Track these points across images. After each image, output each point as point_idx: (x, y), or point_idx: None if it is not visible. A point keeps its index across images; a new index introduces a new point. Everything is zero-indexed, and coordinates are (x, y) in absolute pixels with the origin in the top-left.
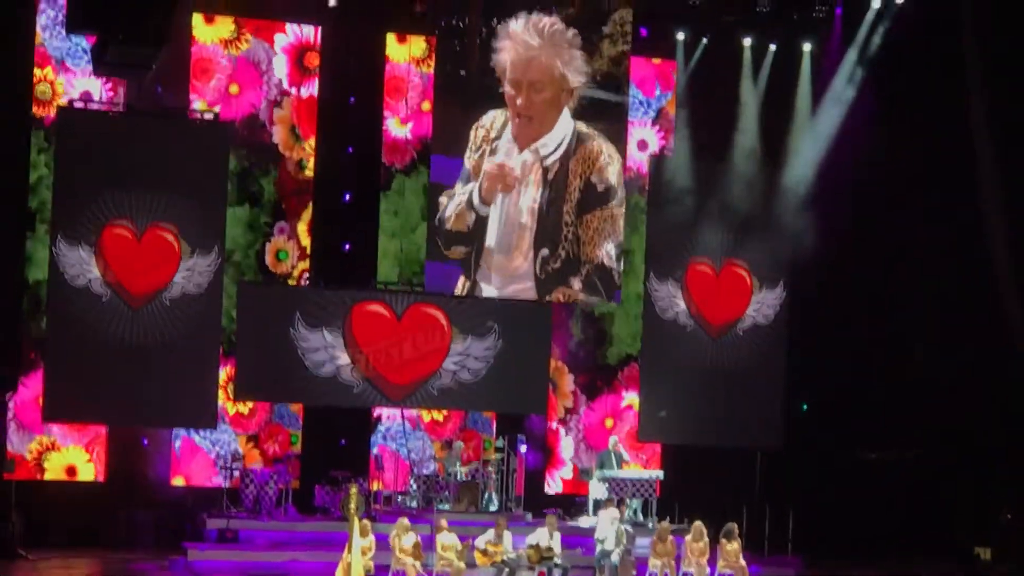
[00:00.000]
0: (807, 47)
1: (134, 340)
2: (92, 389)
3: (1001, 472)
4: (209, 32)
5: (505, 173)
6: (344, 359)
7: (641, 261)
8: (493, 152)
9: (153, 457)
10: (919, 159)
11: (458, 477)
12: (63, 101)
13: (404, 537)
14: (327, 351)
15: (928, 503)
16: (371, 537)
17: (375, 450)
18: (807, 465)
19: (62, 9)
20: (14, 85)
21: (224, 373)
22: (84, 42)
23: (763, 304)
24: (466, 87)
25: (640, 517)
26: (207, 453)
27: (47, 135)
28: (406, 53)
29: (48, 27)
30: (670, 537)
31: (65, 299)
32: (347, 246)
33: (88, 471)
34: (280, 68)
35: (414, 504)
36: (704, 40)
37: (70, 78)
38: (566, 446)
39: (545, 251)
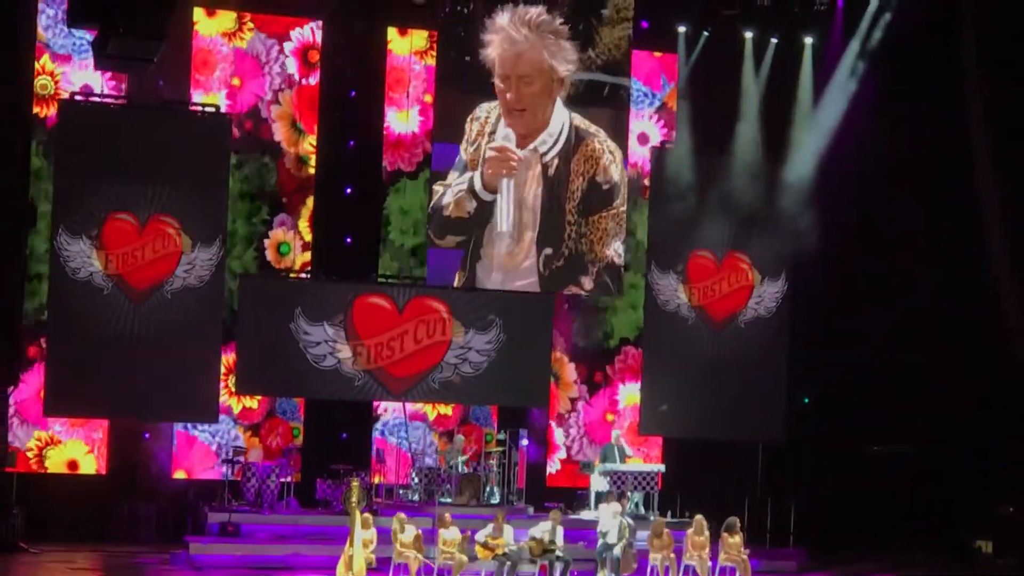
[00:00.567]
0: (808, 40)
1: (136, 333)
2: (94, 383)
3: (1003, 465)
4: (211, 25)
5: (507, 156)
6: (345, 352)
7: (640, 253)
8: (491, 140)
9: (154, 450)
10: (921, 151)
11: (459, 470)
12: (64, 95)
13: (404, 530)
14: (328, 344)
15: (930, 496)
16: (373, 530)
17: (373, 448)
18: (809, 458)
19: (63, 3)
20: (15, 79)
21: (224, 365)
22: (86, 36)
23: (765, 296)
24: (468, 73)
25: (642, 511)
26: (208, 446)
27: (48, 129)
28: (407, 46)
29: (50, 23)
30: (666, 531)
31: (67, 292)
32: (348, 239)
33: (90, 465)
34: (281, 61)
35: (415, 497)
36: (705, 33)
37: (71, 72)
38: (558, 436)
39: (548, 250)
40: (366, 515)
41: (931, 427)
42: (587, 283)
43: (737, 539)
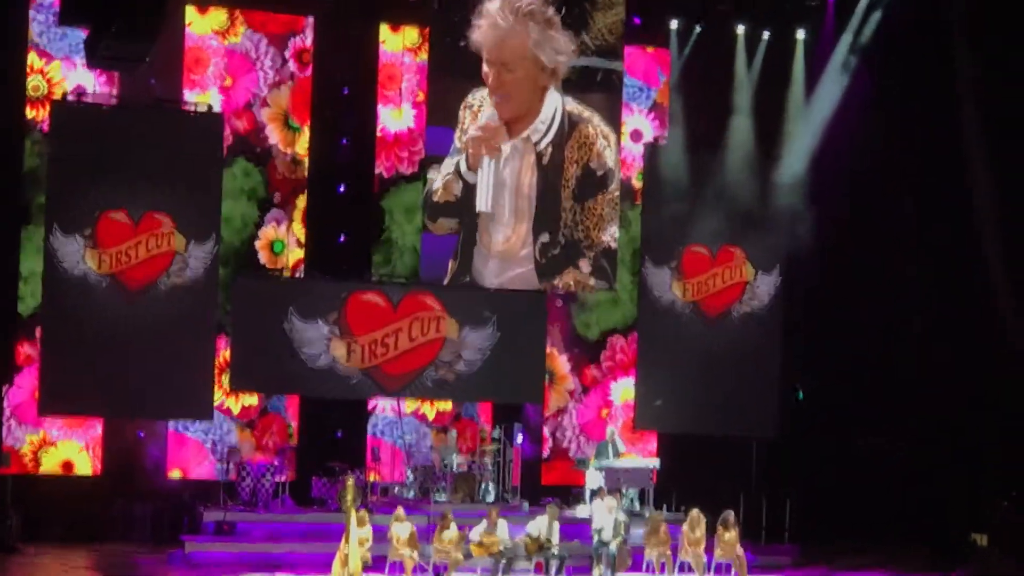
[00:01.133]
0: (801, 35)
1: (130, 331)
2: (88, 381)
3: (997, 459)
4: (202, 23)
5: (489, 136)
6: (340, 350)
7: (627, 253)
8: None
9: (149, 450)
10: (914, 145)
11: (454, 468)
12: (57, 95)
13: (399, 528)
14: (322, 343)
15: (924, 490)
16: (368, 528)
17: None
18: (804, 453)
19: (55, 3)
20: (7, 79)
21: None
22: (78, 35)
23: (759, 290)
24: (461, 59)
25: (637, 506)
26: (204, 445)
27: (41, 129)
28: (400, 43)
29: (43, 28)
30: (663, 527)
31: (61, 290)
32: (342, 237)
33: (85, 465)
34: (273, 59)
35: (411, 495)
36: (698, 28)
37: (64, 72)
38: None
39: (545, 237)
40: (361, 513)
41: (925, 422)
42: (585, 267)
43: (732, 534)
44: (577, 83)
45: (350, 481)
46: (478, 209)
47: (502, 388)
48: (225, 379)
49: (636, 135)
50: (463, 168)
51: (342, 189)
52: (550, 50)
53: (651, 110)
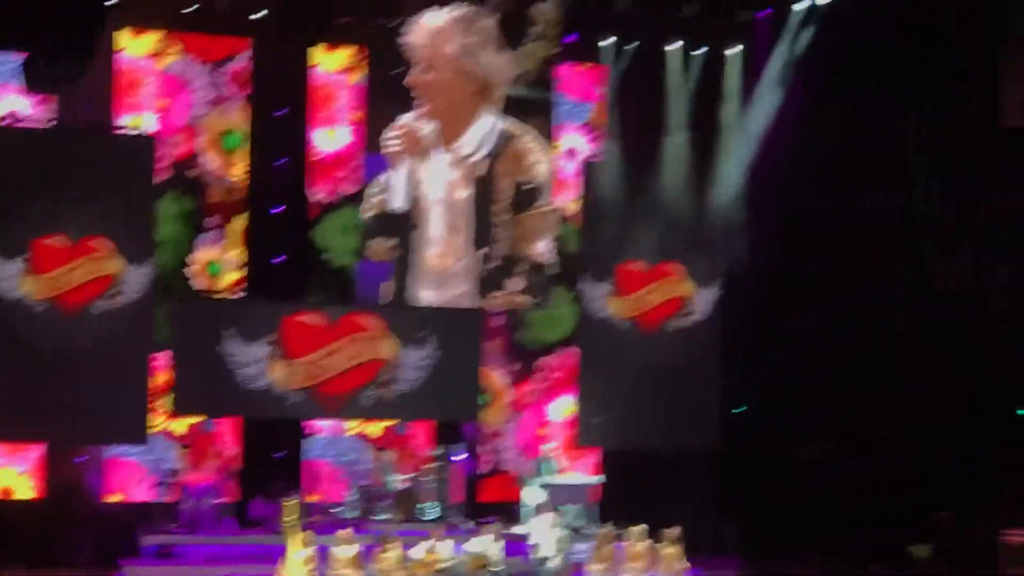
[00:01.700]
0: (734, 50)
1: (66, 356)
2: (25, 406)
3: (939, 469)
4: (136, 46)
5: (402, 133)
6: (278, 372)
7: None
8: None
9: (90, 474)
10: (850, 155)
11: (394, 487)
12: None
13: (344, 549)
14: (260, 364)
15: (867, 501)
16: (310, 550)
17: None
18: (746, 465)
19: None
20: None
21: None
22: (12, 60)
23: (698, 305)
24: (399, 86)
25: (580, 523)
26: (143, 468)
27: None
28: (334, 63)
29: None
30: (612, 544)
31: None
32: (279, 259)
33: (24, 490)
34: (208, 81)
35: (352, 515)
36: (632, 46)
37: None
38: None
39: (483, 251)
40: (303, 534)
41: (867, 432)
42: (513, 284)
43: (676, 549)
44: (507, 109)
45: (291, 502)
46: (394, 206)
47: (440, 407)
48: (168, 402)
49: (571, 153)
50: (391, 179)
51: (279, 210)
52: (479, 61)
53: (586, 127)
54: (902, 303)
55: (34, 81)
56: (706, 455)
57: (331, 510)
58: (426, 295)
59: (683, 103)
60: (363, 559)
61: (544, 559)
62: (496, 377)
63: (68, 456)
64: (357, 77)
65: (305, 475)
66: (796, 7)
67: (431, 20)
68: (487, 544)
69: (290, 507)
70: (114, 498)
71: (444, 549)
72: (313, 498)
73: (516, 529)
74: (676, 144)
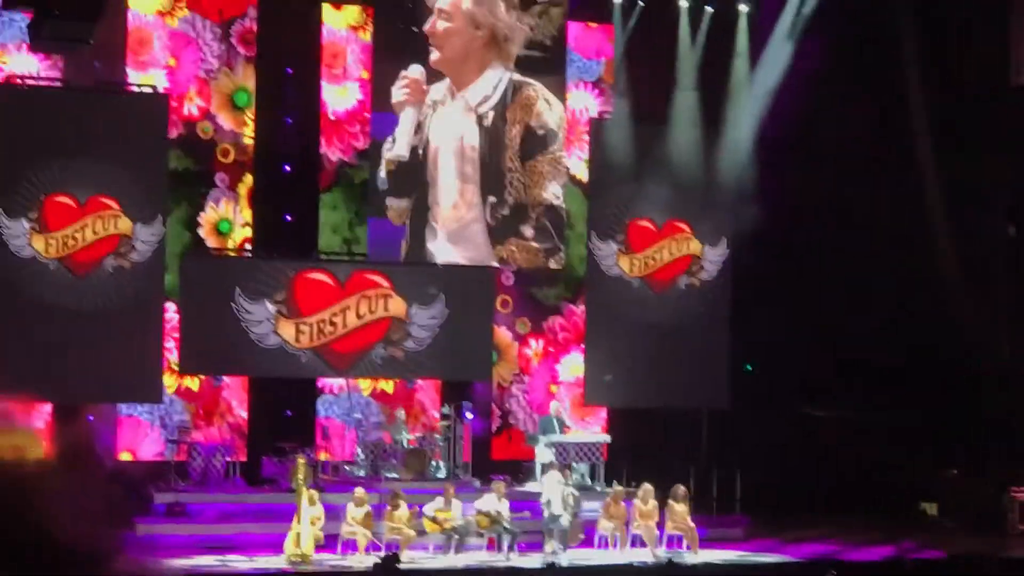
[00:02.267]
0: (744, 8)
1: (78, 314)
2: (37, 364)
3: (947, 428)
4: (145, 4)
5: (409, 84)
6: (288, 330)
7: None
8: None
9: (99, 432)
10: (860, 117)
11: (404, 445)
12: (0, 79)
13: (356, 507)
14: (270, 322)
15: (874, 460)
16: (320, 507)
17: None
18: (754, 424)
19: None
20: None
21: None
22: (22, 19)
23: (707, 263)
24: (409, 43)
25: (588, 481)
26: (154, 426)
27: None
28: (342, 20)
29: None
30: (621, 502)
31: (9, 274)
32: (288, 217)
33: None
34: (217, 39)
35: (362, 473)
36: (640, 3)
37: (8, 56)
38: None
39: (492, 199)
40: (312, 492)
41: (874, 392)
42: (527, 231)
43: (683, 507)
44: (519, 67)
45: (301, 460)
46: (399, 153)
47: (450, 366)
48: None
49: (581, 111)
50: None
51: (288, 169)
52: (495, 13)
53: (595, 85)
54: (913, 263)
55: (42, 40)
56: (714, 413)
57: (343, 468)
58: (441, 250)
59: (691, 61)
60: (374, 516)
61: (555, 516)
62: (507, 336)
63: (77, 416)
64: (363, 36)
65: (315, 434)
66: None
67: None
68: (496, 502)
69: (300, 465)
70: (125, 456)
71: (454, 507)
72: (323, 456)
73: (526, 487)
74: (684, 102)
